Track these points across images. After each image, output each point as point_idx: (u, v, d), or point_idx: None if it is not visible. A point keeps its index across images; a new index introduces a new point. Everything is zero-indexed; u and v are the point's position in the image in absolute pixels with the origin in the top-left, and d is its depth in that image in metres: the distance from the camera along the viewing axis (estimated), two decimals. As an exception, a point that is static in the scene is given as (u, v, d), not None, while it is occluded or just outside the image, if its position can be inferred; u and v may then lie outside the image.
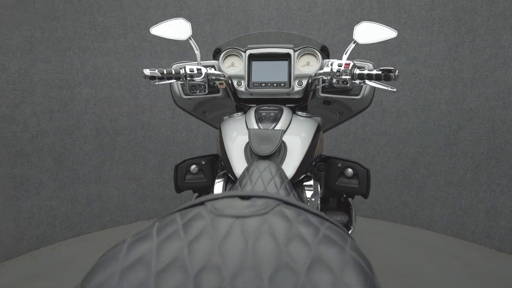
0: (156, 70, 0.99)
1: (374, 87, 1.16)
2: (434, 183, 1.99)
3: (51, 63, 1.89)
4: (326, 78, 1.02)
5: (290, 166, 0.85)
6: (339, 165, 1.13)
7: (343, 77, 0.98)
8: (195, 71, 1.01)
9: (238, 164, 0.86)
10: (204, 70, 1.02)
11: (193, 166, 1.16)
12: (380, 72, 0.93)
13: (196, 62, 1.10)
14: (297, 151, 0.89)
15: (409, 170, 2.08)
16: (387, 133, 2.15)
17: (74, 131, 1.99)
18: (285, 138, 0.92)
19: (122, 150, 2.16)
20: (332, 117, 1.30)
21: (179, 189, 1.19)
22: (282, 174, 0.74)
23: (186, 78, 1.01)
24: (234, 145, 0.92)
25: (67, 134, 1.96)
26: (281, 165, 0.85)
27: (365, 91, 1.11)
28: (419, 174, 2.05)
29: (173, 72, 1.00)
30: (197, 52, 1.05)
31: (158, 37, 2.11)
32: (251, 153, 0.87)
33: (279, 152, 0.87)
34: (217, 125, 1.34)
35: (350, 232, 1.19)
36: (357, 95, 1.12)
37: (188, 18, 2.20)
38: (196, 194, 1.23)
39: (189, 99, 1.19)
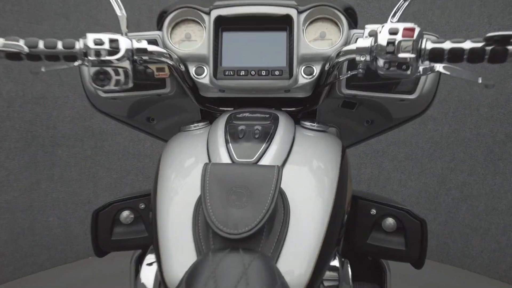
0: (21, 41, 0.54)
1: (439, 79, 0.68)
2: (471, 209, 1.67)
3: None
4: (361, 59, 0.56)
5: (298, 262, 0.42)
6: (373, 211, 0.69)
7: (401, 55, 0.52)
8: (105, 45, 0.54)
9: (176, 256, 0.42)
10: (124, 43, 0.56)
11: (126, 213, 0.70)
12: (484, 46, 0.49)
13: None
14: (311, 221, 0.46)
15: (436, 192, 1.75)
16: (407, 144, 1.81)
17: (-9, 142, 1.55)
18: (286, 186, 0.47)
19: (64, 167, 1.74)
20: (355, 128, 0.84)
21: (100, 251, 0.72)
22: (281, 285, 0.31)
23: (86, 58, 0.54)
24: (173, 204, 0.49)
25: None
26: (277, 261, 0.41)
27: (424, 85, 0.65)
28: (449, 196, 1.72)
29: (60, 47, 0.55)
30: (120, 13, 0.59)
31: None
32: (206, 229, 0.42)
33: (272, 225, 0.43)
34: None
35: None
36: (410, 92, 0.66)
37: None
38: (137, 254, 0.75)
39: (113, 98, 0.70)
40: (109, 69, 0.55)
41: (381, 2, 1.75)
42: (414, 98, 0.66)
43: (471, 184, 1.65)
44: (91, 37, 0.53)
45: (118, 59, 0.54)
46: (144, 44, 0.57)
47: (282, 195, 0.44)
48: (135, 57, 0.57)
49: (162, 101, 0.75)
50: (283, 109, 0.70)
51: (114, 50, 0.53)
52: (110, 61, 0.54)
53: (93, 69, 0.55)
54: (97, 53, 0.53)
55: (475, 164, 1.64)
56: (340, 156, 0.59)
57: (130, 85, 0.57)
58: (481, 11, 1.54)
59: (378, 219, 0.68)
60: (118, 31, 0.61)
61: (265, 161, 0.50)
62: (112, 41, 0.54)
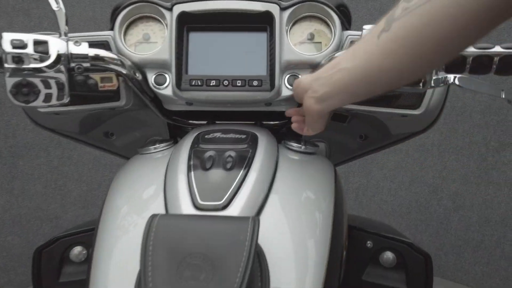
0: None
1: (447, 91, 0.60)
2: (463, 220, 1.64)
3: None
4: None
5: None
6: (370, 244, 0.61)
7: None
8: (29, 48, 0.43)
9: None
10: (55, 47, 0.45)
11: (77, 249, 0.59)
12: None
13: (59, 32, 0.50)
14: (301, 280, 0.36)
15: (427, 201, 1.71)
16: (397, 152, 1.76)
17: None
18: (265, 237, 0.36)
19: (27, 180, 1.61)
20: (346, 144, 0.75)
21: None
22: None
23: (1, 63, 0.43)
24: (116, 257, 0.39)
25: None
26: None
27: (431, 99, 0.56)
28: (441, 206, 1.68)
29: None
30: (56, 7, 0.48)
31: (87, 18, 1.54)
32: None
33: None
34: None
35: None
36: (415, 106, 0.56)
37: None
38: None
39: (55, 113, 0.58)
40: (36, 81, 0.43)
41: (369, 3, 1.68)
42: (418, 114, 0.56)
43: (463, 194, 1.63)
44: (7, 38, 0.41)
45: (47, 67, 0.42)
46: (84, 48, 0.45)
47: (259, 256, 0.33)
48: (72, 65, 0.45)
49: (121, 114, 0.63)
50: (264, 122, 0.60)
51: (41, 55, 0.41)
52: (36, 70, 0.42)
53: (13, 80, 0.42)
54: (17, 59, 0.41)
55: (467, 173, 1.61)
56: (333, 183, 0.49)
57: (65, 100, 0.45)
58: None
59: (375, 252, 0.61)
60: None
61: (237, 204, 0.39)
62: (38, 43, 0.42)
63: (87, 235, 0.59)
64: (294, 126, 0.51)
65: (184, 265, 0.29)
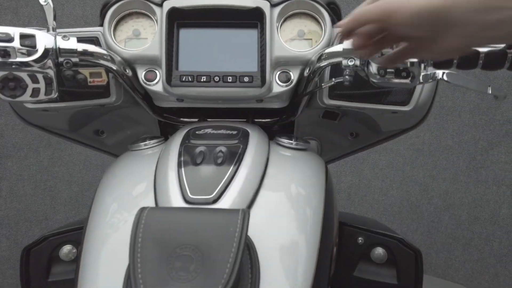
0: None
1: (436, 87, 0.61)
2: (453, 219, 1.65)
3: None
4: (348, 64, 0.48)
5: None
6: (360, 240, 0.61)
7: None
8: (15, 42, 0.42)
9: None
10: (43, 41, 0.44)
11: (67, 248, 0.58)
12: (505, 48, 0.42)
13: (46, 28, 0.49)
14: (291, 274, 0.36)
15: (418, 200, 1.72)
16: (388, 151, 1.76)
17: None
18: (255, 230, 0.37)
19: (15, 180, 1.59)
20: (337, 141, 0.76)
21: None
22: None
23: None
24: (104, 253, 0.39)
25: None
26: None
27: (420, 95, 0.57)
28: (431, 205, 1.70)
29: None
30: (43, 1, 0.47)
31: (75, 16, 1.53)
32: None
33: None
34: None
35: None
36: (404, 103, 0.57)
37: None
38: None
39: (44, 109, 0.58)
40: (23, 75, 0.42)
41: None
42: (408, 110, 0.57)
43: (453, 193, 1.64)
44: None
45: (35, 61, 0.41)
46: (72, 43, 0.44)
47: (249, 248, 0.33)
48: (61, 59, 0.44)
49: (111, 111, 0.63)
50: (256, 120, 0.60)
51: (28, 49, 0.41)
52: (23, 64, 0.41)
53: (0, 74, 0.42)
54: (3, 52, 0.40)
55: (457, 172, 1.63)
56: (324, 179, 0.50)
57: (54, 95, 0.44)
58: None
59: (366, 248, 0.61)
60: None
61: (228, 198, 0.39)
62: (24, 36, 0.41)
63: (77, 234, 0.58)
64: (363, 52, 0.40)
65: (174, 256, 0.29)
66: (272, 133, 0.59)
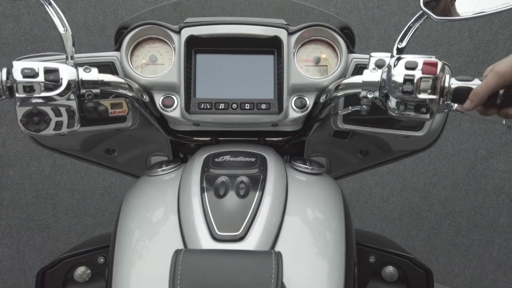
0: None
1: (447, 115, 0.62)
2: (453, 225, 1.66)
3: None
4: (367, 96, 0.49)
5: None
6: (372, 259, 0.63)
7: (422, 96, 0.45)
8: (39, 77, 0.42)
9: None
10: (66, 74, 0.44)
11: (81, 269, 0.59)
12: None
13: (63, 56, 0.49)
14: None
15: (419, 207, 1.72)
16: None
17: None
18: (284, 275, 0.35)
19: (17, 189, 1.57)
20: (347, 159, 0.76)
21: None
22: None
23: (11, 93, 0.43)
24: (135, 275, 0.40)
25: None
26: None
27: (433, 121, 0.59)
28: (431, 212, 1.70)
29: None
30: (63, 30, 0.47)
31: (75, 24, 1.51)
32: None
33: None
34: (136, 172, 0.73)
35: None
36: (417, 128, 0.58)
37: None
38: None
39: (60, 134, 0.58)
40: (47, 109, 0.42)
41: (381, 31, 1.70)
42: (421, 136, 0.58)
43: (453, 200, 1.65)
44: (18, 67, 0.40)
45: (59, 95, 0.41)
46: (94, 74, 0.45)
47: None
48: (83, 91, 0.45)
49: (123, 132, 0.63)
50: (267, 139, 0.61)
51: (52, 83, 0.41)
52: (47, 99, 0.41)
53: (23, 110, 0.42)
54: (29, 88, 0.40)
55: (457, 180, 1.63)
56: (342, 203, 0.51)
57: (76, 128, 0.45)
58: (462, 25, 1.54)
59: (377, 267, 0.62)
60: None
61: (254, 234, 0.40)
62: (49, 71, 0.41)
63: (91, 255, 0.58)
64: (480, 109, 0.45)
65: None
66: (282, 151, 0.60)
